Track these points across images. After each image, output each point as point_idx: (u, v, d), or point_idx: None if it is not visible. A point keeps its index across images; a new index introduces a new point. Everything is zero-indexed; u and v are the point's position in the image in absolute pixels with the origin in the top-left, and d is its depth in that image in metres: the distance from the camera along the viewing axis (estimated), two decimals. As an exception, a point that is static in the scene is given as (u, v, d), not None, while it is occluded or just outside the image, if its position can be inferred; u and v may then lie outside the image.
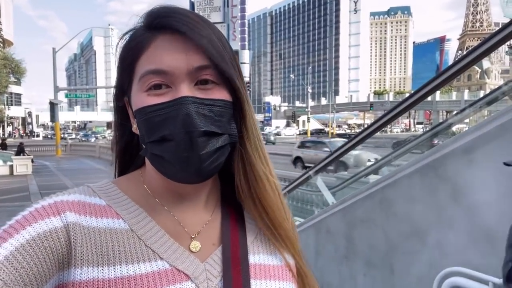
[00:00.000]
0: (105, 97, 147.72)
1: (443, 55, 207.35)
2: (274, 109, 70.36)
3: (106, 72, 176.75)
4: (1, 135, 46.58)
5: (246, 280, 0.54)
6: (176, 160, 0.50)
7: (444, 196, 2.84)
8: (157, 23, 0.52)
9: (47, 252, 0.46)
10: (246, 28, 78.24)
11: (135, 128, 0.57)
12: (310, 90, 48.28)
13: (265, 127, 70.20)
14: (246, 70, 74.88)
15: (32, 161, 16.36)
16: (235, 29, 75.58)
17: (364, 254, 3.62)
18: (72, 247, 0.48)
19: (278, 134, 58.51)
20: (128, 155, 0.64)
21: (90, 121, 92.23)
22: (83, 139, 44.01)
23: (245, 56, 74.61)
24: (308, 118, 49.19)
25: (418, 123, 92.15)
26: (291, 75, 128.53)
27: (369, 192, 3.51)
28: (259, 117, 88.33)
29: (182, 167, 0.50)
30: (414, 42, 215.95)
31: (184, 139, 0.49)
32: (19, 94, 58.35)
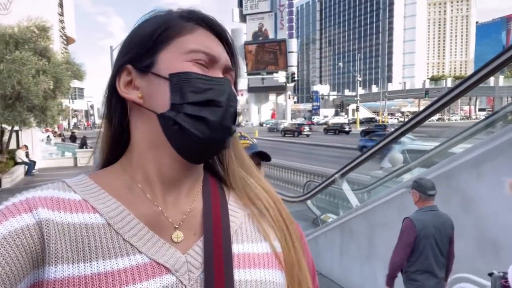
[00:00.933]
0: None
1: (510, 35, 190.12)
2: (322, 98, 69.35)
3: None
4: (67, 127, 50.64)
5: (228, 270, 0.54)
6: (215, 125, 0.53)
7: (455, 205, 2.96)
8: (200, 18, 0.58)
9: (20, 250, 0.45)
10: (294, 17, 77.32)
11: (137, 96, 0.56)
12: (360, 79, 46.98)
13: (312, 117, 69.56)
14: (294, 59, 74.26)
15: (94, 153, 17.89)
16: (283, 18, 74.93)
17: (384, 255, 3.79)
18: (46, 244, 0.47)
19: (326, 123, 57.79)
20: (122, 140, 0.61)
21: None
22: None
23: (293, 45, 73.91)
24: (357, 107, 47.95)
25: (481, 109, 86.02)
26: (339, 63, 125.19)
27: (388, 198, 3.69)
28: (307, 106, 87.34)
29: (215, 133, 0.53)
30: (477, 22, 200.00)
31: (230, 111, 0.54)
32: (82, 89, 63.07)
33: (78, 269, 0.47)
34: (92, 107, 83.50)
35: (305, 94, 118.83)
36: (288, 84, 62.86)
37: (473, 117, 70.89)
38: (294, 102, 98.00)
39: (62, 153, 19.00)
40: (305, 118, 72.83)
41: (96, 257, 0.49)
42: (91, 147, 19.23)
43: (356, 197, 4.88)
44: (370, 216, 3.97)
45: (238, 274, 0.55)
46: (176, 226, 0.56)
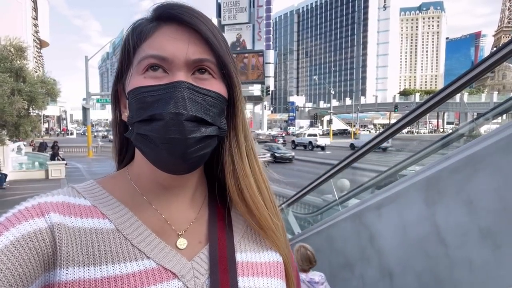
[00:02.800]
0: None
1: (478, 51, 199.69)
2: (297, 109, 70.94)
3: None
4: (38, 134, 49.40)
5: (233, 278, 0.55)
6: (161, 141, 0.50)
7: (364, 239, 3.68)
8: (163, 14, 0.55)
9: (32, 253, 0.46)
10: (272, 28, 78.73)
11: (125, 116, 0.57)
12: (332, 92, 48.54)
13: (288, 127, 70.85)
14: (271, 70, 75.46)
15: (66, 164, 17.95)
16: (260, 30, 76.25)
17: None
18: (58, 247, 0.48)
19: (300, 134, 58.82)
20: (124, 148, 0.64)
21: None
22: None
23: (270, 56, 75.17)
24: (330, 120, 49.39)
25: (448, 122, 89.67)
26: (314, 77, 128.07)
27: (319, 229, 4.38)
28: (284, 116, 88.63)
29: (167, 148, 0.50)
30: (447, 38, 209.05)
31: (173, 120, 0.49)
32: (55, 94, 61.74)
33: (88, 272, 0.48)
34: (65, 112, 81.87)
35: (282, 104, 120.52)
36: (263, 96, 63.96)
37: (441, 130, 73.87)
38: (272, 112, 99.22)
39: (39, 165, 18.85)
40: (281, 128, 73.96)
41: (106, 261, 0.50)
42: (63, 159, 19.26)
43: (299, 224, 5.56)
44: (306, 243, 4.65)
45: (242, 282, 0.56)
46: (179, 233, 0.58)
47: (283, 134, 47.85)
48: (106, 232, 0.52)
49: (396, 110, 52.40)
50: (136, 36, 0.56)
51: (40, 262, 0.47)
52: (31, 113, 11.43)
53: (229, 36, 77.67)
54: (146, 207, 0.57)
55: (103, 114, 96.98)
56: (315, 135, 36.65)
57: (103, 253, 0.50)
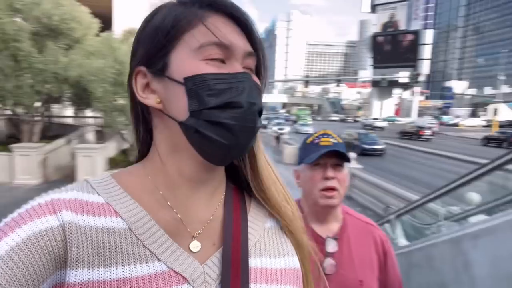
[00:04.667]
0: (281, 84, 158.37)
1: None
2: (453, 97, 62.69)
3: (287, 55, 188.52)
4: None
5: (244, 285, 0.54)
6: (239, 129, 0.50)
7: (460, 264, 3.79)
8: (213, 2, 0.54)
9: (43, 251, 0.45)
10: (432, 5, 70.93)
11: (158, 101, 0.54)
12: (503, 77, 41.33)
13: (441, 116, 63.03)
14: (427, 52, 68.62)
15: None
16: (418, 7, 69.58)
17: (416, 289, 4.66)
18: (68, 247, 0.47)
19: (455, 124, 52.45)
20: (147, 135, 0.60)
21: (265, 103, 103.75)
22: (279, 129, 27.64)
23: (427, 37, 68.26)
24: (495, 110, 42.52)
25: None
26: (479, 59, 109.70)
27: (421, 245, 4.55)
28: (438, 103, 79.60)
29: (241, 136, 0.51)
30: None
31: (250, 109, 0.51)
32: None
33: (97, 274, 0.48)
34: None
35: (440, 90, 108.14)
36: (413, 85, 58.78)
37: None
38: (426, 97, 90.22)
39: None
40: (435, 117, 66.83)
41: (116, 263, 0.49)
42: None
43: (408, 234, 5.67)
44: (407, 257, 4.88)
45: None
46: (194, 236, 0.56)
47: (434, 126, 39.11)
48: (118, 231, 0.51)
49: None
50: (185, 19, 0.53)
51: (52, 261, 0.46)
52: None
53: (380, 17, 73.27)
54: (162, 205, 0.56)
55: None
56: None
57: (114, 254, 0.49)
